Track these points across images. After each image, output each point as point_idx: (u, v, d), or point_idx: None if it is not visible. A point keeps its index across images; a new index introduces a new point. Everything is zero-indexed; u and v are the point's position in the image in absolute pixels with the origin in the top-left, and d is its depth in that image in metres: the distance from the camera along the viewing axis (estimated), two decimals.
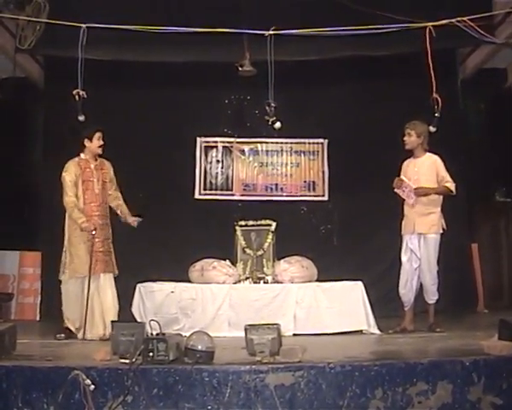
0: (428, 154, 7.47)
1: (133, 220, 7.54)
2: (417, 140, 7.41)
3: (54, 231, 8.94)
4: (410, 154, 7.52)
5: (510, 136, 9.87)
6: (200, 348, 4.76)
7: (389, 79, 9.55)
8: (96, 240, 7.20)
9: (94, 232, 7.13)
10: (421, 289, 7.45)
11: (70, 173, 7.23)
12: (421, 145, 7.43)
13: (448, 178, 7.34)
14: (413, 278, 7.38)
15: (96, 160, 7.44)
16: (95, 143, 7.35)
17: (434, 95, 7.13)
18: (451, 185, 7.31)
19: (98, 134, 7.36)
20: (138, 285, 7.80)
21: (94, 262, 7.14)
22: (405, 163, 7.57)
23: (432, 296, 7.41)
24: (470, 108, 10.42)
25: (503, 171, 10.06)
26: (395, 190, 7.36)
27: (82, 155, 7.38)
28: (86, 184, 7.29)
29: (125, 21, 7.35)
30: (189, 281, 8.05)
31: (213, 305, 7.57)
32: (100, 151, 7.41)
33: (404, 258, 7.39)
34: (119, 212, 7.57)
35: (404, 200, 7.42)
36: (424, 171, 7.37)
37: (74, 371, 4.47)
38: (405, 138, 7.44)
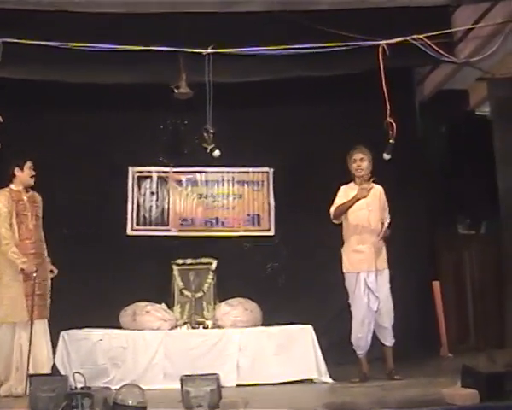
0: (372, 183, 7.60)
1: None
2: (369, 166, 7.55)
3: None
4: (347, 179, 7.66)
5: (473, 162, 10.06)
6: (130, 403, 4.77)
7: (340, 102, 9.68)
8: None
9: (35, 274, 7.04)
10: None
11: (4, 204, 7.11)
12: (369, 172, 7.58)
13: (387, 211, 7.58)
14: (371, 321, 7.47)
15: (28, 192, 7.38)
16: (26, 173, 7.29)
17: (388, 119, 7.23)
18: (388, 221, 7.54)
19: (29, 163, 7.30)
20: (62, 333, 7.71)
21: (31, 306, 7.02)
22: (346, 188, 7.67)
23: (390, 339, 7.54)
24: (429, 133, 10.52)
25: (465, 200, 10.23)
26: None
27: (12, 186, 7.29)
28: (20, 218, 7.18)
29: (49, 38, 7.35)
30: (120, 327, 8.02)
31: (146, 354, 7.53)
32: (32, 182, 7.35)
33: (364, 299, 7.44)
34: None
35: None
36: (375, 201, 7.55)
37: None
38: (361, 164, 7.52)
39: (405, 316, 8.17)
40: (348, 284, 7.55)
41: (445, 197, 10.27)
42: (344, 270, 7.60)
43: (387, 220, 7.52)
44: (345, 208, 7.52)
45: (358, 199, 7.40)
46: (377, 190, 7.59)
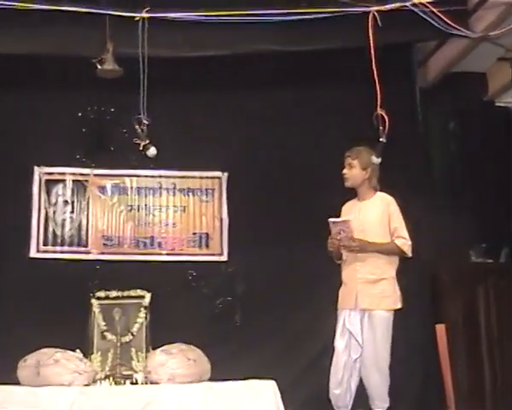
0: (379, 194, 7.62)
1: None
2: (362, 174, 7.54)
3: None
4: (353, 194, 7.66)
5: (491, 168, 10.10)
6: None
7: (319, 87, 9.69)
8: None
9: None
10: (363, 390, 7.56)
11: None
12: (367, 181, 7.59)
13: (402, 231, 7.44)
14: (351, 374, 7.47)
15: None
16: None
17: (379, 111, 7.24)
18: (404, 244, 7.40)
19: None
20: None
21: None
22: (346, 207, 7.74)
23: (379, 403, 7.48)
24: (434, 129, 10.60)
25: (480, 218, 10.23)
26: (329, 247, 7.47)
27: None
28: None
29: None
30: (18, 383, 7.94)
31: None
32: None
33: (339, 344, 7.48)
34: None
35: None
36: (372, 218, 7.51)
37: None
38: (345, 171, 7.56)
39: (400, 369, 8.16)
40: None
41: (454, 214, 10.22)
42: None
43: (398, 242, 7.41)
44: (333, 253, 7.60)
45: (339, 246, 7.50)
46: (381, 202, 7.57)
